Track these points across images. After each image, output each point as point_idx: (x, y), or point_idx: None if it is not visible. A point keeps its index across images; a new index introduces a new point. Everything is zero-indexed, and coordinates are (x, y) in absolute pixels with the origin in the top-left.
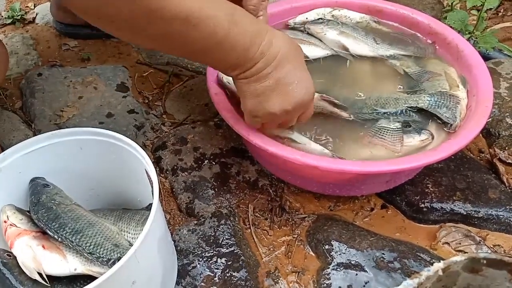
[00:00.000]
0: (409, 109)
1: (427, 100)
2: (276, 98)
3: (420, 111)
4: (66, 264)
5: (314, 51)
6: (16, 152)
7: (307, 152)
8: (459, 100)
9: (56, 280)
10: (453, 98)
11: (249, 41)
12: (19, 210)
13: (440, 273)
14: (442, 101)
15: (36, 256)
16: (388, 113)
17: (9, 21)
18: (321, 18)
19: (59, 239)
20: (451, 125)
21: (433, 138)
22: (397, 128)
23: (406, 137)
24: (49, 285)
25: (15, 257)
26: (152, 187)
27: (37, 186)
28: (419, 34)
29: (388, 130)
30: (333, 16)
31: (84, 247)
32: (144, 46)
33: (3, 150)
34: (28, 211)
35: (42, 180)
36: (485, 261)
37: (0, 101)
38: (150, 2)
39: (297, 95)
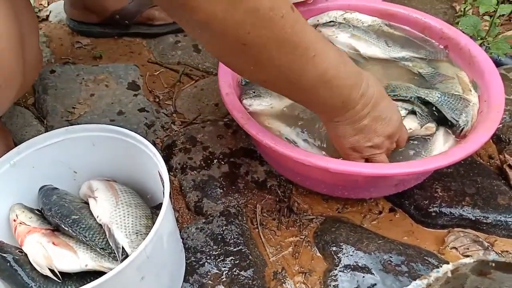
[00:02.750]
0: (418, 100)
1: (437, 96)
2: (373, 133)
3: (431, 114)
4: (77, 260)
5: None
6: (30, 147)
7: None
8: (469, 103)
9: (67, 277)
10: (464, 101)
11: (354, 82)
12: (28, 208)
13: (449, 274)
14: (452, 102)
15: (47, 253)
16: (396, 99)
17: None
18: (332, 21)
19: (74, 233)
20: (460, 128)
21: (437, 129)
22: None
23: (411, 121)
24: (61, 281)
25: (26, 254)
26: (163, 185)
27: (47, 190)
28: (430, 39)
29: None
30: (344, 19)
31: (97, 243)
32: (258, 77)
33: (16, 145)
34: (37, 210)
35: (50, 185)
36: (493, 264)
37: None
38: (284, 30)
39: (391, 126)
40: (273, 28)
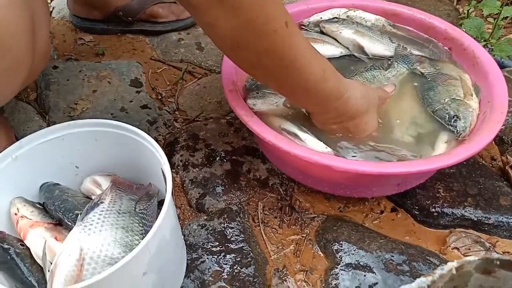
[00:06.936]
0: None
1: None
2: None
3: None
4: None
5: (328, 50)
6: (32, 141)
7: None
8: (468, 108)
9: None
10: (466, 105)
11: (329, 95)
12: (29, 202)
13: (454, 272)
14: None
15: (50, 248)
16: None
17: None
18: (336, 18)
19: None
20: (459, 133)
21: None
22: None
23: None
24: None
25: (27, 248)
26: (165, 182)
27: (49, 186)
28: (434, 40)
29: None
30: (348, 16)
31: None
32: (254, 72)
33: (17, 140)
34: (38, 203)
35: (51, 182)
36: (498, 262)
37: None
38: (274, 42)
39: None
40: (264, 39)
